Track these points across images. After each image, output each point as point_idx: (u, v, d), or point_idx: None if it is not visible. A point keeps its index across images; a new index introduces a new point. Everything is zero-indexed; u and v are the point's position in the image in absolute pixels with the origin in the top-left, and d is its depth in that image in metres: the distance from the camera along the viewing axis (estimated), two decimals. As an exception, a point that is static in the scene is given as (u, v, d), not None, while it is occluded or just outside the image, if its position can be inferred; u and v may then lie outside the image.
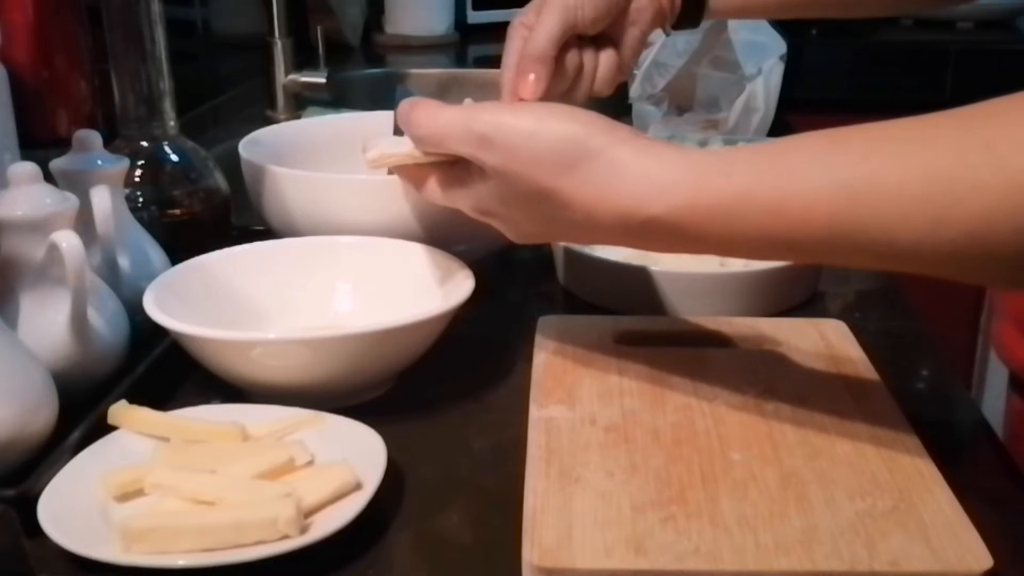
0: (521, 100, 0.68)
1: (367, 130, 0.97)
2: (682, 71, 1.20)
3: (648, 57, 1.22)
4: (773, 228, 0.49)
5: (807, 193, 0.48)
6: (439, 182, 0.61)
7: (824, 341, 0.68)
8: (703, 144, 1.08)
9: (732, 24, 1.20)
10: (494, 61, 1.91)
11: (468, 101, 0.67)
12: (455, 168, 0.59)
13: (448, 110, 0.58)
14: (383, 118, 0.98)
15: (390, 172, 0.69)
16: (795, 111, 1.31)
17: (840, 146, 0.48)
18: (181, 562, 0.50)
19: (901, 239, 0.46)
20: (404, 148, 0.61)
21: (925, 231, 0.45)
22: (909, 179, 0.45)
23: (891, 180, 0.46)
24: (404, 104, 0.60)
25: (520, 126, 0.54)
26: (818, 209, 0.47)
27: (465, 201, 0.60)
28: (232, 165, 0.88)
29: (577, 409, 0.61)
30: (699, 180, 0.50)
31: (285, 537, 0.50)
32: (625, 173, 0.52)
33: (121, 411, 0.60)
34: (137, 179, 0.83)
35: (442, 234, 0.76)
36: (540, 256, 0.87)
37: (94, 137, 0.72)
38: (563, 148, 0.53)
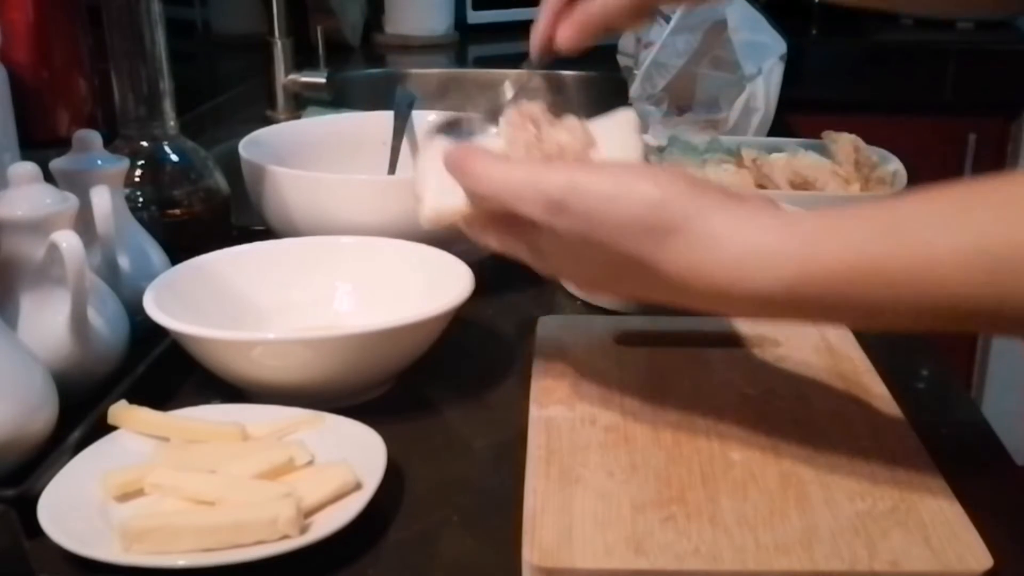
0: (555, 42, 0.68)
1: (367, 130, 0.98)
2: (682, 71, 1.20)
3: (648, 57, 1.22)
4: (898, 297, 0.44)
5: (939, 257, 0.43)
6: (497, 232, 0.56)
7: (824, 341, 0.68)
8: (702, 146, 1.08)
9: (732, 24, 1.20)
10: (494, 61, 1.91)
11: (507, 85, 0.70)
12: (519, 220, 0.52)
13: (511, 166, 0.52)
14: (383, 118, 0.98)
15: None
16: (795, 111, 1.31)
17: (964, 203, 0.44)
18: (181, 562, 0.50)
19: None
20: (458, 198, 0.55)
21: None
22: None
23: None
24: (456, 152, 0.54)
25: (598, 190, 0.49)
26: (952, 275, 0.42)
27: (528, 256, 0.55)
28: (232, 165, 0.88)
29: (577, 409, 0.61)
30: (808, 248, 0.46)
31: (285, 537, 0.50)
32: (722, 244, 0.47)
33: (121, 411, 0.60)
34: (137, 179, 0.83)
35: (442, 234, 0.76)
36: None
37: (94, 137, 0.72)
38: (648, 216, 0.48)
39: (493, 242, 0.56)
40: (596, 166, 0.53)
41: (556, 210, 0.50)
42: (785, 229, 0.47)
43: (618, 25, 0.69)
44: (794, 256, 0.46)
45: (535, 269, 0.56)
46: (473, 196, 0.54)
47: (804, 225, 0.47)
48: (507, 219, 0.53)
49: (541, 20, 0.68)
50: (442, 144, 0.60)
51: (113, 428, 0.60)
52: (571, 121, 0.58)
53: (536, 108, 0.59)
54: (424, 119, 0.99)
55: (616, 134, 0.60)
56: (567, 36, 0.68)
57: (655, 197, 0.48)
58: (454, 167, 0.54)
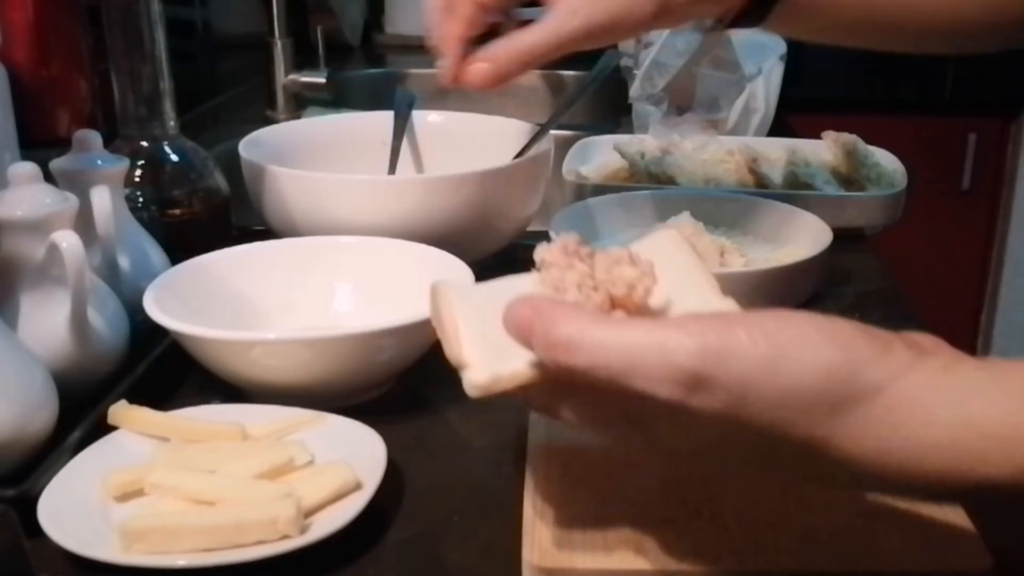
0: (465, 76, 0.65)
1: (367, 130, 0.98)
2: (682, 71, 1.20)
3: (648, 57, 1.22)
4: None
5: None
6: (585, 408, 0.42)
7: (824, 341, 0.68)
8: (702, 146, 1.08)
9: (732, 24, 1.19)
10: (494, 61, 1.89)
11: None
12: (623, 394, 0.39)
13: (614, 328, 0.39)
14: (383, 118, 0.98)
15: None
16: (795, 111, 1.31)
17: None
18: (181, 562, 0.50)
19: None
20: (520, 361, 0.42)
21: None
22: None
23: None
24: (521, 308, 0.40)
25: (752, 355, 0.37)
26: None
27: (629, 438, 0.43)
28: (232, 165, 0.88)
29: (577, 409, 0.60)
30: None
31: (285, 537, 0.50)
32: (933, 418, 0.37)
33: (121, 411, 0.60)
34: (137, 179, 0.83)
35: (442, 234, 0.76)
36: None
37: (94, 137, 0.72)
38: (825, 384, 0.37)
39: (573, 416, 0.42)
40: (743, 319, 0.39)
41: (693, 386, 0.37)
42: (1012, 391, 0.37)
43: (551, 57, 0.65)
44: None
45: (630, 452, 0.44)
46: (562, 370, 0.39)
47: None
48: (603, 393, 0.40)
49: (447, 57, 0.66)
50: (481, 289, 0.49)
51: (113, 428, 0.60)
52: (616, 250, 0.46)
53: (576, 240, 0.47)
54: (424, 119, 0.99)
55: (669, 262, 0.48)
56: (484, 75, 0.65)
57: (831, 359, 0.37)
58: (526, 331, 0.40)
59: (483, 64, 0.65)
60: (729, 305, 0.44)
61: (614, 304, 0.44)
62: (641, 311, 0.44)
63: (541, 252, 0.46)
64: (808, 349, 0.37)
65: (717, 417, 0.38)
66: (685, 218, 0.86)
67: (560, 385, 0.41)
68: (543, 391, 0.42)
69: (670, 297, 0.46)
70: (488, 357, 0.43)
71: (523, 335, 0.40)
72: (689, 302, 0.46)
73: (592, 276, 0.44)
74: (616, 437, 0.44)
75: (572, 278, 0.44)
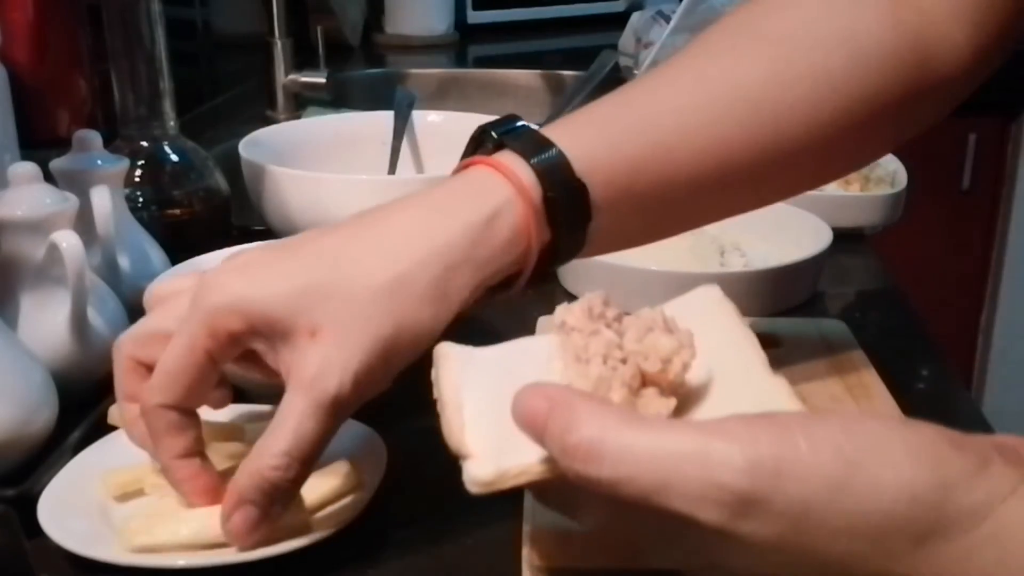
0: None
1: (367, 130, 0.98)
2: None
3: (648, 57, 1.22)
4: None
5: None
6: (611, 523, 0.36)
7: (824, 341, 0.68)
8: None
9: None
10: (494, 61, 1.91)
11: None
12: (659, 512, 0.32)
13: (650, 432, 0.32)
14: (383, 118, 0.98)
15: None
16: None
17: None
18: (181, 562, 0.50)
19: None
20: (532, 454, 0.36)
21: None
22: None
23: None
24: (533, 400, 0.34)
25: (815, 474, 0.31)
26: None
27: (669, 556, 0.37)
28: (232, 165, 0.88)
29: (577, 409, 0.60)
30: None
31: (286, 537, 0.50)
32: None
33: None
34: (137, 179, 0.83)
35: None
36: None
37: (94, 137, 0.72)
38: (905, 512, 0.30)
39: (595, 524, 0.37)
40: (797, 425, 0.32)
41: (742, 510, 0.31)
42: None
43: None
44: None
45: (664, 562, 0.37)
46: (591, 483, 0.33)
47: None
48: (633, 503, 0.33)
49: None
50: (491, 354, 0.44)
51: (113, 428, 0.60)
52: (649, 313, 0.40)
53: (602, 300, 0.41)
54: (424, 119, 0.99)
55: (710, 327, 0.41)
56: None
57: (916, 479, 0.30)
58: (539, 428, 0.34)
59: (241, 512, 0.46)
60: (779, 385, 0.38)
61: (644, 381, 0.38)
62: (676, 390, 0.38)
63: (562, 314, 0.41)
64: (887, 466, 0.30)
65: (768, 544, 0.32)
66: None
67: (581, 488, 0.34)
68: (560, 492, 0.37)
69: (710, 373, 0.39)
70: (494, 446, 0.37)
71: (536, 433, 0.34)
72: (732, 380, 0.39)
73: (621, 346, 0.38)
74: (648, 548, 0.37)
75: (597, 347, 0.38)
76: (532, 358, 0.42)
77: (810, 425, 0.32)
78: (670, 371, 0.38)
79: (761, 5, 0.56)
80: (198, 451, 0.49)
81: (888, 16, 0.55)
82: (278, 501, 0.46)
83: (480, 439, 0.37)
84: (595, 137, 0.50)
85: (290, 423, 0.45)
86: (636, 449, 0.32)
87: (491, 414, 0.38)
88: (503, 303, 0.80)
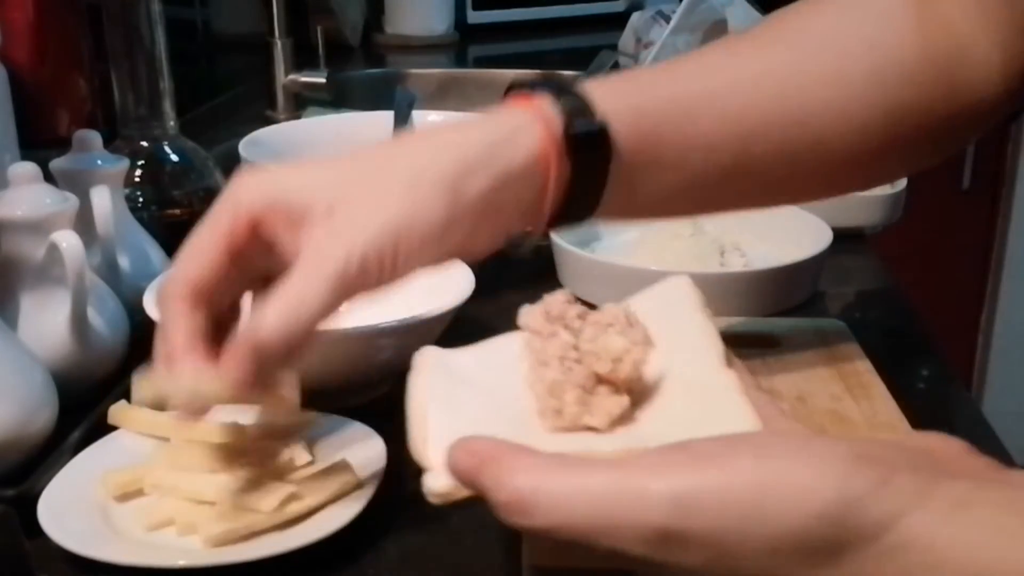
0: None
1: (367, 130, 0.98)
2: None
3: (648, 57, 1.22)
4: None
5: None
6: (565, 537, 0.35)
7: (824, 341, 0.68)
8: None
9: (732, 24, 1.20)
10: (494, 61, 1.90)
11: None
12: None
13: (575, 477, 0.33)
14: (383, 118, 0.98)
15: None
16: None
17: None
18: (181, 562, 0.50)
19: None
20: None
21: None
22: None
23: None
24: (462, 456, 0.35)
25: (729, 504, 0.32)
26: None
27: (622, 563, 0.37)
28: (232, 165, 0.88)
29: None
30: None
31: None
32: (943, 563, 0.32)
33: (121, 411, 0.60)
34: (137, 179, 0.83)
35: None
36: (540, 255, 0.87)
37: (94, 137, 0.72)
38: (814, 531, 0.32)
39: (548, 534, 0.36)
40: (710, 457, 0.33)
41: (666, 542, 0.33)
42: None
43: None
44: None
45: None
46: (526, 530, 0.35)
47: None
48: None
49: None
50: (463, 358, 0.44)
51: (113, 428, 0.60)
52: (611, 310, 0.41)
53: (562, 301, 0.42)
54: (424, 119, 0.99)
55: (673, 319, 0.43)
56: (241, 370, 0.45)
57: (822, 500, 0.32)
58: (473, 483, 0.35)
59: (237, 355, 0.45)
60: (731, 380, 0.39)
61: (600, 379, 0.39)
62: (630, 387, 0.40)
63: (524, 317, 0.42)
64: (795, 489, 0.32)
65: (700, 569, 0.34)
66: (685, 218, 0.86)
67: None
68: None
69: (664, 367, 0.41)
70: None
71: (472, 488, 0.35)
72: (686, 371, 0.41)
73: (577, 347, 0.40)
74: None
75: (553, 350, 0.40)
76: (504, 359, 0.42)
77: (723, 455, 0.33)
78: (621, 371, 0.39)
79: (803, 6, 0.58)
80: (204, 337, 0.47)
81: (915, 34, 0.55)
82: (269, 368, 0.45)
83: (441, 451, 0.37)
84: (621, 90, 0.52)
85: (292, 290, 0.44)
86: (564, 497, 0.33)
87: (453, 425, 0.38)
88: (504, 304, 0.80)
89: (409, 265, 0.45)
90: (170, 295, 0.47)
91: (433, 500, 0.37)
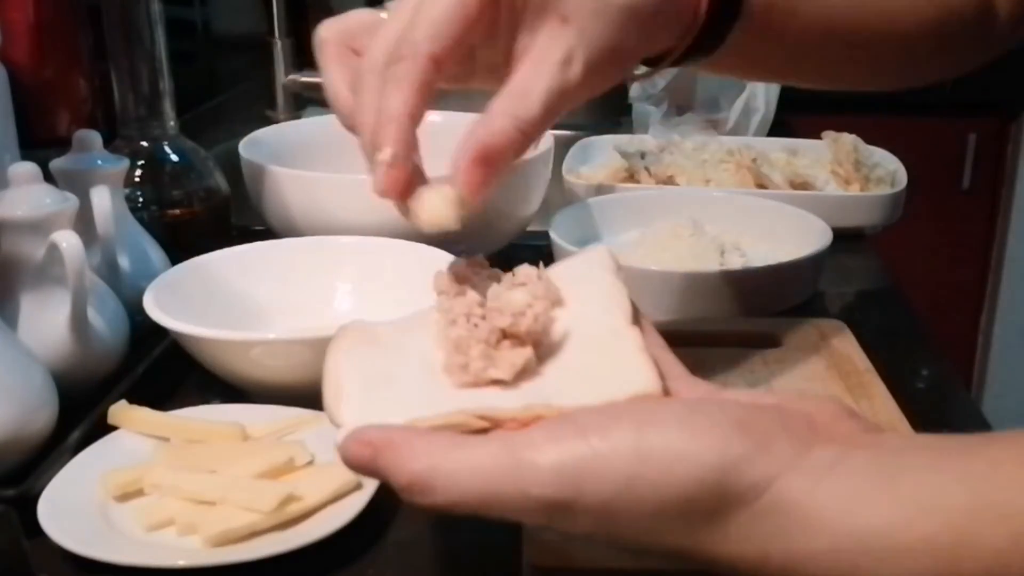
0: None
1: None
2: (682, 71, 1.20)
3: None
4: None
5: None
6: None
7: (824, 341, 0.68)
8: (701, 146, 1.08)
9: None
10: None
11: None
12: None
13: (466, 453, 0.35)
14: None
15: None
16: (795, 111, 1.31)
17: None
18: (181, 562, 0.50)
19: None
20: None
21: None
22: None
23: None
24: (356, 447, 0.36)
25: (611, 476, 0.34)
26: None
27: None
28: (232, 165, 0.88)
29: (577, 409, 0.60)
30: (954, 528, 0.32)
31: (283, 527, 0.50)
32: (813, 524, 0.33)
33: (121, 411, 0.60)
34: (137, 179, 0.83)
35: (442, 234, 0.76)
36: (540, 255, 0.87)
37: (94, 137, 0.72)
38: (693, 497, 0.34)
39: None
40: (593, 428, 0.35)
41: (554, 513, 0.34)
42: (903, 501, 0.33)
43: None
44: (943, 550, 0.32)
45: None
46: (430, 509, 0.36)
47: (939, 497, 0.33)
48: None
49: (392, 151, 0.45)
50: (384, 330, 0.44)
51: (113, 428, 0.60)
52: (524, 271, 0.43)
53: (470, 264, 0.44)
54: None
55: (589, 283, 0.44)
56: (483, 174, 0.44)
57: (699, 466, 0.34)
58: (372, 472, 0.36)
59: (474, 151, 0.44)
60: (633, 337, 0.40)
61: (505, 335, 0.40)
62: (534, 339, 0.40)
63: (435, 279, 0.44)
64: (673, 459, 0.34)
65: (590, 536, 0.35)
66: (685, 218, 0.86)
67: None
68: None
69: (572, 325, 0.42)
70: (364, 417, 0.38)
71: (371, 476, 0.37)
72: (592, 328, 0.42)
73: (483, 304, 0.41)
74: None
75: (460, 308, 0.41)
76: (421, 322, 0.43)
77: (606, 426, 0.35)
78: (522, 324, 0.40)
79: None
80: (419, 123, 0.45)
81: None
82: (501, 164, 0.44)
83: (353, 410, 0.39)
84: None
85: (533, 96, 0.44)
86: (459, 475, 0.34)
87: (367, 386, 0.40)
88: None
89: (604, 84, 0.47)
90: (414, 80, 0.44)
91: (342, 457, 0.37)
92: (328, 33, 0.49)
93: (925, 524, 0.32)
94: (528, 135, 0.44)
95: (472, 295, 0.41)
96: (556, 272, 0.44)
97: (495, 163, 0.44)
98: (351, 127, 0.48)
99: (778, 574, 0.34)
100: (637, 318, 0.42)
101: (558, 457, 0.34)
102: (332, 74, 0.49)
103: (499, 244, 0.84)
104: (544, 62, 0.44)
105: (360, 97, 0.46)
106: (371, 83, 0.45)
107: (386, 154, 0.44)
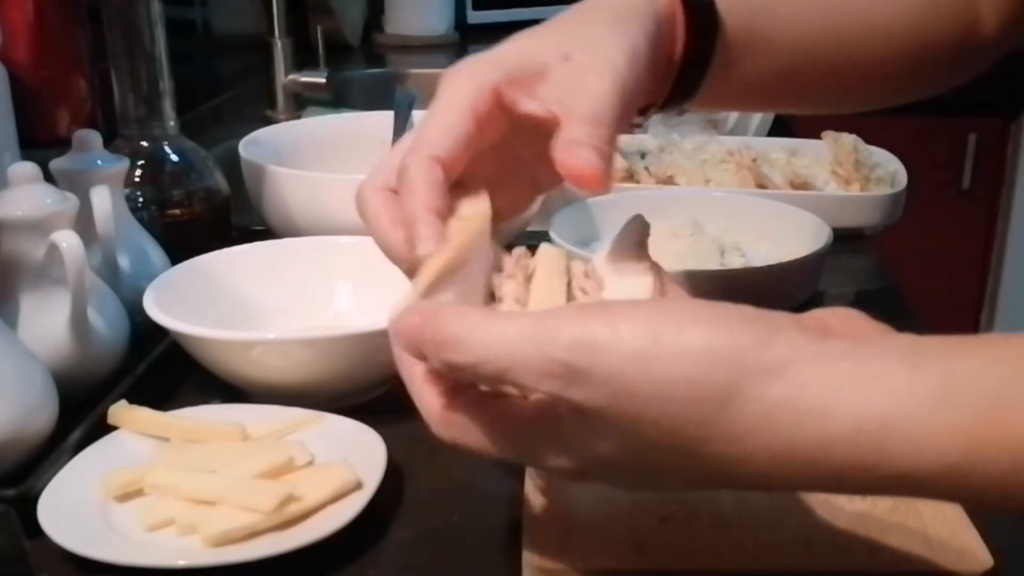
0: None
1: (367, 130, 0.98)
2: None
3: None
4: None
5: None
6: (495, 429, 0.40)
7: (824, 341, 0.68)
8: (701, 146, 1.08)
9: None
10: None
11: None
12: (524, 407, 0.39)
13: (498, 321, 0.37)
14: (383, 118, 0.98)
15: None
16: (795, 111, 1.31)
17: None
18: (181, 562, 0.50)
19: None
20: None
21: None
22: None
23: None
24: (410, 317, 0.39)
25: (625, 347, 0.35)
26: None
27: (548, 459, 0.39)
28: (232, 165, 0.88)
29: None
30: (981, 415, 0.32)
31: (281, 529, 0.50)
32: (835, 412, 0.33)
33: (121, 411, 0.60)
34: (137, 179, 0.83)
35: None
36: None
37: (94, 137, 0.72)
38: (704, 372, 0.34)
39: (488, 449, 0.41)
40: (620, 311, 0.36)
41: (569, 379, 0.35)
42: (929, 387, 0.33)
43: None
44: (971, 436, 0.32)
45: (564, 477, 0.41)
46: (453, 370, 0.38)
47: (965, 383, 0.33)
48: (507, 406, 0.39)
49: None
50: None
51: (113, 428, 0.60)
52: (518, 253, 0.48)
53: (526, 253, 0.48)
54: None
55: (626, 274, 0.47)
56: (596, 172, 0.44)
57: (709, 342, 0.34)
58: (416, 339, 0.38)
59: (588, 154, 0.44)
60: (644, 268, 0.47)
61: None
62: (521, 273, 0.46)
63: (517, 258, 0.48)
64: (686, 337, 0.35)
65: (607, 415, 0.36)
66: (685, 218, 0.86)
67: (473, 409, 0.40)
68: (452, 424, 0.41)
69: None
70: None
71: (416, 342, 0.38)
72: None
73: (526, 288, 0.45)
74: (540, 460, 0.40)
75: (511, 289, 0.45)
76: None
77: (626, 308, 0.37)
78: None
79: None
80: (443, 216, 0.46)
81: None
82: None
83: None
84: None
85: (584, 103, 0.45)
86: (490, 336, 0.37)
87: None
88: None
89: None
90: (420, 181, 0.45)
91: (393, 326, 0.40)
92: (365, 185, 0.51)
93: (953, 410, 0.32)
94: (609, 134, 0.45)
95: (520, 279, 0.46)
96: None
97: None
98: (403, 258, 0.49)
99: (804, 468, 0.34)
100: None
101: (581, 327, 0.36)
102: (382, 217, 0.49)
103: (499, 244, 0.84)
104: (585, 81, 0.45)
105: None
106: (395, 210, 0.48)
107: (421, 250, 0.45)
